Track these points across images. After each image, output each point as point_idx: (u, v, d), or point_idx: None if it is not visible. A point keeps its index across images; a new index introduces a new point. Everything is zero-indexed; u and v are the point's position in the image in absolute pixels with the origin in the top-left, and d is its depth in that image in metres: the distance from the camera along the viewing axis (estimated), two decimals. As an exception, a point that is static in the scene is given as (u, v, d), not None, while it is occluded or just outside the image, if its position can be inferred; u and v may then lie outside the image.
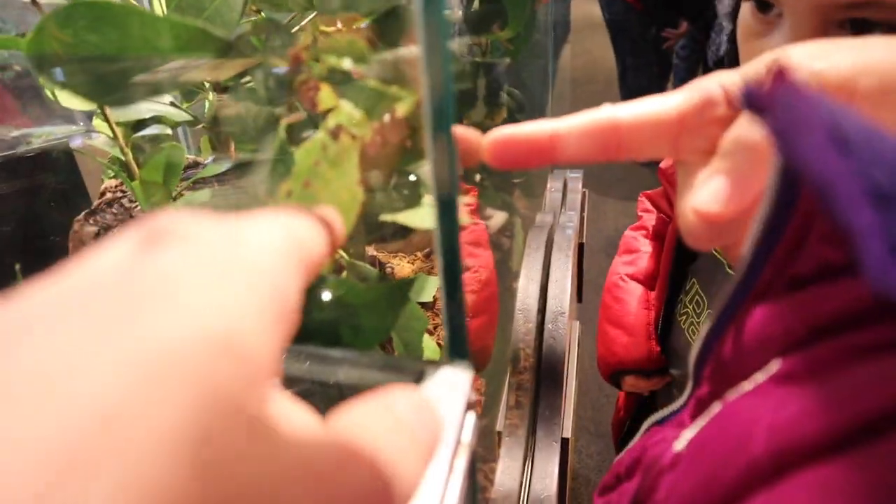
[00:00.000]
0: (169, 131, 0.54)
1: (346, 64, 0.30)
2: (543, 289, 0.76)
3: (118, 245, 0.14)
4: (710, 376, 0.31)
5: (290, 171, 0.33)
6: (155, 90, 0.29)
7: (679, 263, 0.68)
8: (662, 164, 0.80)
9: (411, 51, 0.34)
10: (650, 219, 0.86)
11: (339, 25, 0.51)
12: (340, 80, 0.31)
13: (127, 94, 0.29)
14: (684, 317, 0.70)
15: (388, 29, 0.35)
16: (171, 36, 0.29)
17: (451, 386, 0.29)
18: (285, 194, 0.34)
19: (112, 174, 0.67)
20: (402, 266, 0.81)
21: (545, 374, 0.73)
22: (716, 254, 0.59)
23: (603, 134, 0.23)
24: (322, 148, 0.33)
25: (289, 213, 0.18)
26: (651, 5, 2.40)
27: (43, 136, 0.50)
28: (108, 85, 0.29)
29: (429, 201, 0.41)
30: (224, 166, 0.58)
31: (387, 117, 0.32)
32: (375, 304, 0.32)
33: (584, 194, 1.20)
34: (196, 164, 0.64)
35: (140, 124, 0.56)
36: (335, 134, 0.31)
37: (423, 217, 0.38)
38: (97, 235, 0.53)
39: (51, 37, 0.28)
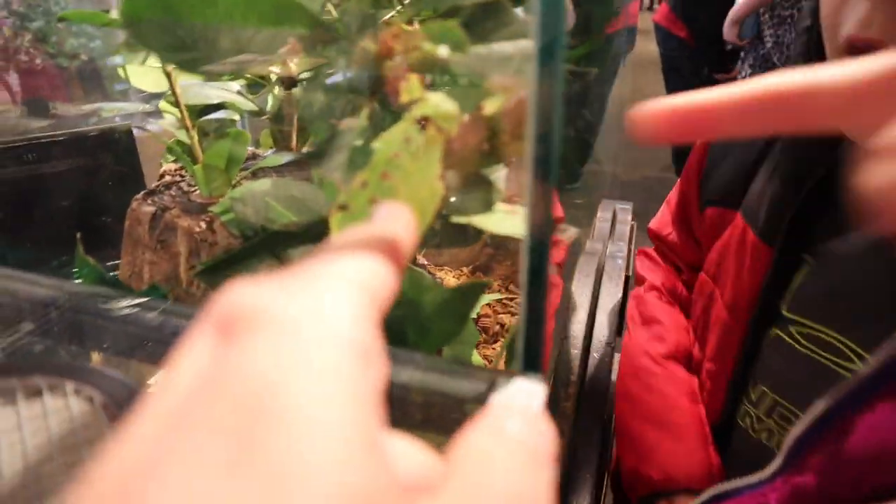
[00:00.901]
0: (236, 117, 0.54)
1: (442, 52, 0.28)
2: (591, 316, 0.74)
3: (197, 343, 0.15)
4: (820, 469, 0.29)
5: (367, 161, 0.32)
6: (244, 67, 0.28)
7: (741, 364, 0.52)
8: (653, 224, 0.72)
9: (504, 48, 0.33)
10: (656, 276, 0.71)
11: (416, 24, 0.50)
12: (433, 70, 0.29)
13: (213, 62, 0.28)
14: (748, 418, 0.53)
15: (476, 24, 0.33)
16: (265, 6, 0.28)
17: (526, 398, 0.27)
18: (360, 185, 0.33)
19: (172, 157, 0.67)
20: (448, 280, 0.79)
21: (586, 403, 0.70)
22: (795, 342, 0.48)
23: (772, 102, 0.21)
24: (404, 139, 0.32)
25: (355, 256, 0.18)
26: (704, 44, 2.38)
27: (114, 110, 0.50)
28: (195, 51, 0.28)
29: (503, 208, 0.39)
30: (285, 158, 0.57)
31: (473, 114, 0.31)
32: (446, 306, 0.31)
33: (632, 227, 1.17)
34: (254, 156, 0.63)
35: (206, 110, 0.56)
36: (421, 125, 0.30)
37: (499, 222, 0.36)
38: (154, 216, 0.52)
39: (145, 1, 0.28)
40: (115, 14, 0.49)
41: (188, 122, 0.51)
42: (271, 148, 0.63)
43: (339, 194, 0.34)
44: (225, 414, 0.12)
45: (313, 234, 0.43)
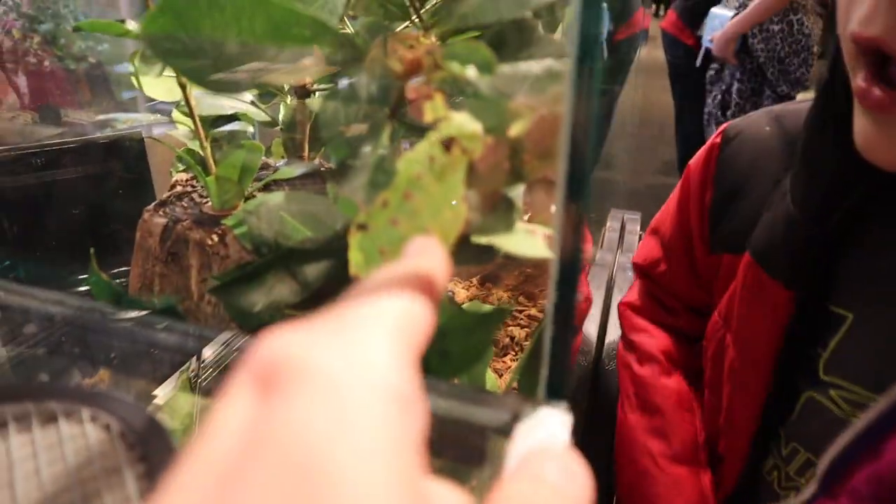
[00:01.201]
0: (250, 129, 0.53)
1: (471, 73, 0.28)
2: (602, 328, 0.73)
3: (240, 395, 0.15)
4: (856, 493, 0.29)
5: (388, 180, 0.31)
6: (262, 80, 0.27)
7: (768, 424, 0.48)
8: (638, 258, 0.65)
9: (530, 68, 0.32)
10: (651, 340, 0.62)
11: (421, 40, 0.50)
12: (460, 90, 0.29)
13: (234, 81, 0.28)
14: (775, 472, 0.50)
15: (501, 42, 0.33)
16: (288, 24, 0.27)
17: (552, 432, 0.26)
18: (381, 204, 0.32)
19: (182, 167, 0.67)
20: (457, 291, 0.79)
21: (597, 414, 0.70)
22: (834, 406, 0.44)
23: None
24: (428, 159, 0.31)
25: (391, 298, 0.18)
26: (709, 50, 2.37)
27: (128, 121, 0.49)
28: (217, 70, 0.28)
29: (523, 227, 0.38)
30: (298, 170, 0.56)
31: (498, 135, 0.30)
32: (469, 333, 0.30)
33: (640, 237, 1.17)
34: (266, 166, 0.63)
35: (219, 120, 0.55)
36: (447, 146, 0.30)
37: (521, 243, 0.36)
38: (165, 227, 0.52)
39: (168, 17, 0.27)
40: (130, 24, 0.49)
41: (202, 133, 0.51)
42: (283, 157, 0.62)
43: (359, 213, 0.33)
44: (274, 474, 0.12)
45: (330, 251, 0.43)
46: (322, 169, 0.58)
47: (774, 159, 0.50)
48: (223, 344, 0.61)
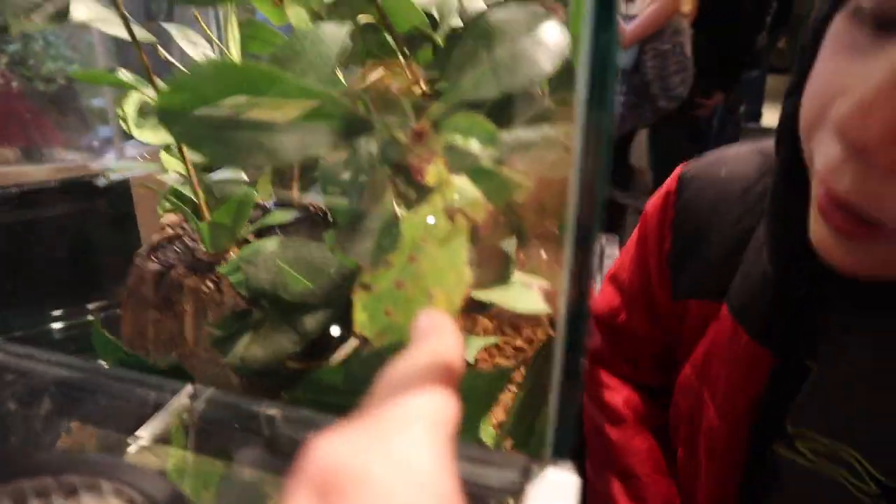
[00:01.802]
0: (244, 177, 0.54)
1: (474, 146, 0.29)
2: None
3: None
4: None
5: (393, 243, 0.32)
6: (274, 156, 0.28)
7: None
8: (598, 308, 0.60)
9: (528, 135, 0.33)
10: (617, 397, 0.59)
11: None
12: (462, 161, 0.30)
13: (249, 157, 0.28)
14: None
15: (501, 111, 0.34)
16: (303, 103, 0.28)
17: (562, 493, 0.27)
18: (386, 265, 0.33)
19: (169, 207, 0.67)
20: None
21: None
22: (795, 453, 0.43)
23: None
24: (431, 224, 0.32)
25: (422, 396, 0.19)
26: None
27: (123, 169, 0.49)
28: (229, 146, 0.29)
29: (520, 279, 0.40)
30: (290, 215, 0.57)
31: (498, 201, 0.32)
32: (473, 392, 0.31)
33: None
34: (255, 205, 0.63)
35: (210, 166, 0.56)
36: (449, 214, 0.31)
37: (519, 298, 0.37)
38: (159, 274, 0.52)
39: (185, 94, 0.28)
40: (123, 74, 0.49)
41: (195, 180, 0.51)
42: (273, 198, 0.63)
43: (363, 274, 0.34)
44: None
45: (329, 302, 0.43)
46: (314, 212, 0.59)
47: (733, 203, 0.48)
48: (190, 396, 0.61)
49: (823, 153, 0.33)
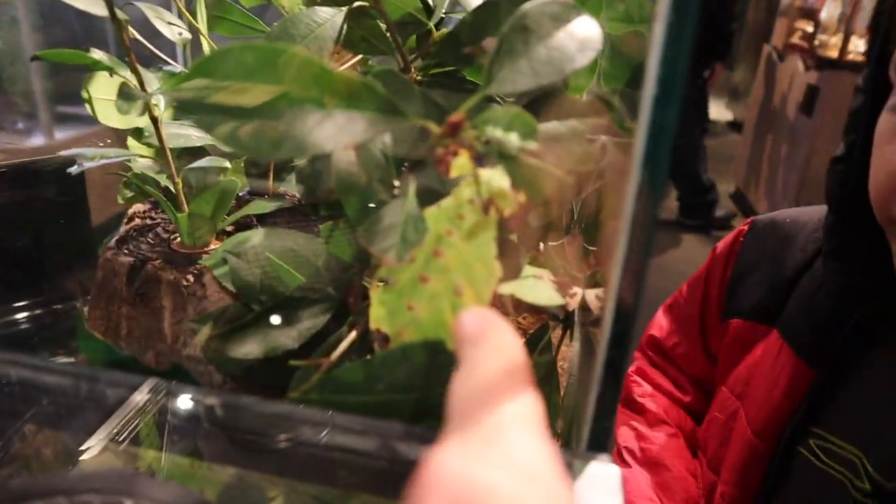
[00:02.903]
0: (227, 164, 0.51)
1: (513, 139, 0.28)
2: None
3: None
4: None
5: (418, 237, 0.31)
6: (309, 148, 0.26)
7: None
8: (654, 331, 0.67)
9: (558, 128, 0.33)
10: (660, 407, 0.64)
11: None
12: (497, 154, 0.29)
13: (282, 148, 0.27)
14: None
15: (535, 108, 0.34)
16: (337, 89, 0.27)
17: (606, 489, 0.27)
18: (407, 260, 0.32)
19: (130, 193, 0.63)
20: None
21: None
22: (815, 458, 0.49)
23: None
24: (457, 216, 0.32)
25: (513, 397, 0.19)
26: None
27: (96, 157, 0.46)
28: (260, 137, 0.27)
29: (531, 272, 0.39)
30: (272, 205, 0.55)
31: (529, 193, 0.31)
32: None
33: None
34: (226, 195, 0.60)
35: (185, 151, 0.53)
36: (485, 206, 0.30)
37: (534, 290, 0.36)
38: (133, 267, 0.49)
39: (203, 79, 0.26)
40: (96, 54, 0.45)
41: (173, 168, 0.48)
42: (247, 186, 0.60)
43: (380, 268, 0.33)
44: None
45: (328, 299, 0.42)
46: (293, 203, 0.56)
47: (790, 244, 0.56)
48: (151, 391, 0.58)
49: None
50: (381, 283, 0.33)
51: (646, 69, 0.22)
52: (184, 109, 0.26)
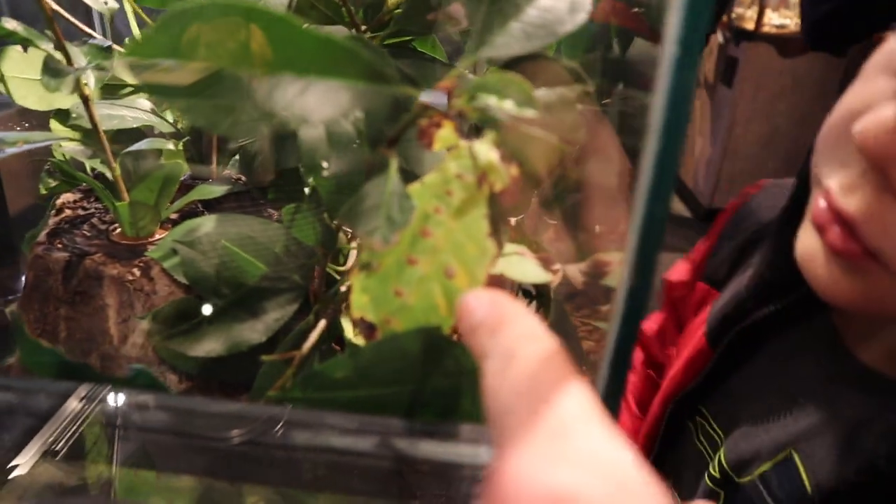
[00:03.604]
0: (169, 145, 0.47)
1: (509, 106, 0.26)
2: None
3: None
4: None
5: (404, 213, 0.29)
6: (287, 121, 0.24)
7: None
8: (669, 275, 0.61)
9: (548, 95, 0.31)
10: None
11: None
12: (490, 123, 0.27)
13: (246, 123, 0.24)
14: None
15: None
16: (318, 54, 0.24)
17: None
18: (394, 241, 0.30)
19: (53, 182, 0.57)
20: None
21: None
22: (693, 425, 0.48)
23: None
24: (445, 192, 0.29)
25: (565, 386, 0.17)
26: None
27: (19, 141, 0.41)
28: (224, 110, 0.24)
29: (513, 249, 0.37)
30: (220, 189, 0.51)
31: (522, 165, 0.29)
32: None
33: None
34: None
35: (120, 134, 0.48)
36: (479, 179, 0.28)
37: (518, 267, 0.35)
38: (69, 263, 0.44)
39: (164, 42, 0.23)
40: (10, 24, 0.40)
41: (109, 152, 0.44)
42: (188, 171, 0.56)
43: (362, 252, 0.31)
44: None
45: (293, 287, 0.39)
46: (243, 186, 0.53)
47: (762, 218, 0.51)
48: (83, 398, 0.54)
49: (838, 169, 0.33)
50: (365, 269, 0.31)
51: (665, 28, 0.21)
52: (140, 78, 0.22)
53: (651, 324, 0.63)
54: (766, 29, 2.75)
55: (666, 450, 0.50)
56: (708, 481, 0.43)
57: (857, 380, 0.38)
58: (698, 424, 0.47)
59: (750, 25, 2.86)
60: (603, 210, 0.39)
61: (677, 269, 0.63)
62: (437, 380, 0.29)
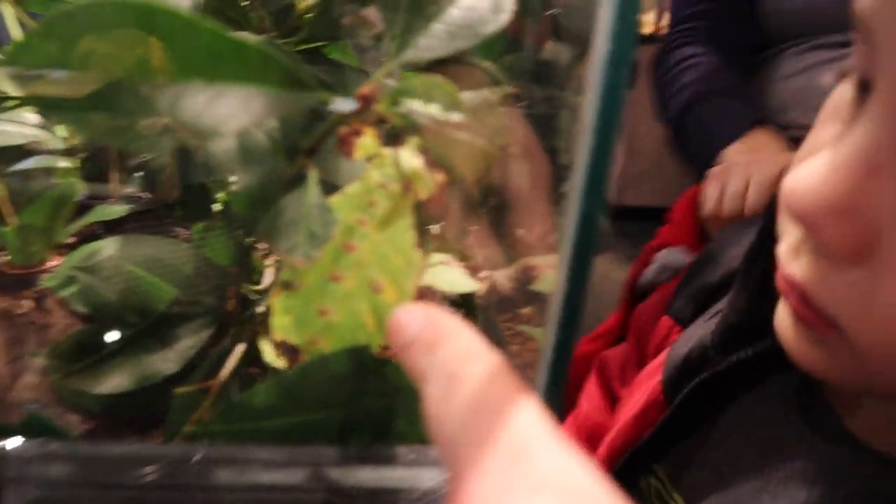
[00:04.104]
0: (62, 163, 0.43)
1: (433, 110, 0.25)
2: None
3: None
4: None
5: (326, 227, 0.28)
6: (198, 133, 0.22)
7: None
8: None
9: (472, 98, 0.30)
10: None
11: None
12: (413, 128, 0.26)
13: (149, 136, 0.22)
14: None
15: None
16: (230, 59, 0.22)
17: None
18: (317, 257, 0.28)
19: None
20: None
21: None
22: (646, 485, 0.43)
23: None
24: (368, 204, 0.28)
25: (511, 405, 0.16)
26: None
27: None
28: (124, 123, 0.22)
29: (438, 258, 0.37)
30: (122, 209, 0.47)
31: (447, 171, 0.28)
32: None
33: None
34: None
35: (4, 151, 0.44)
36: (386, 186, 0.27)
37: (444, 277, 0.34)
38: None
39: (53, 46, 0.20)
40: None
41: (-10, 173, 0.40)
42: (84, 190, 0.51)
43: (283, 271, 0.29)
44: None
45: (211, 312, 0.36)
46: (148, 205, 0.49)
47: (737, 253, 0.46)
48: None
49: (787, 231, 0.30)
50: (286, 288, 0.29)
51: (596, 26, 0.20)
52: (25, 86, 0.20)
53: (615, 353, 0.59)
54: (664, 31, 2.89)
55: None
56: None
57: (846, 446, 0.33)
58: (652, 487, 0.42)
59: (648, 29, 3.00)
60: (527, 213, 0.39)
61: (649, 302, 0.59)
62: (368, 401, 0.27)
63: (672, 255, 0.63)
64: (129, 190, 0.54)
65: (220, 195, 0.39)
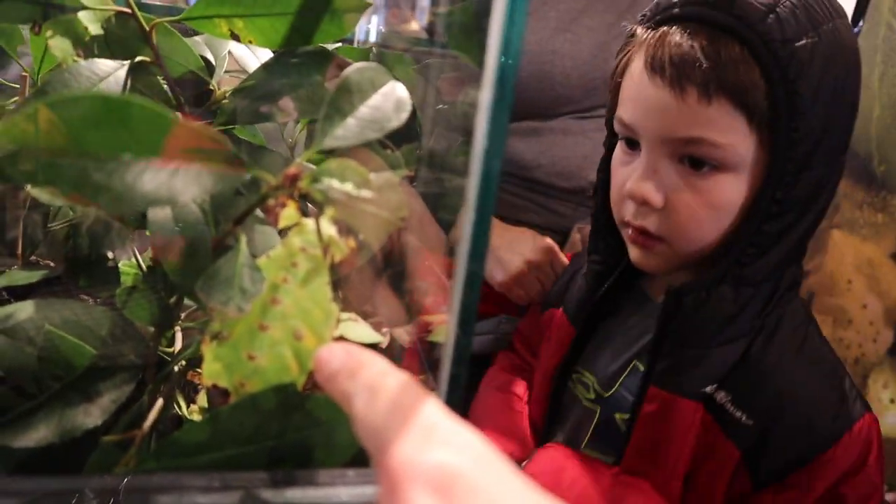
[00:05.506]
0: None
1: (347, 188, 0.31)
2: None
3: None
4: None
5: (255, 284, 0.32)
6: (156, 200, 0.26)
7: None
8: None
9: (377, 178, 0.37)
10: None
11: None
12: (332, 203, 0.32)
13: (123, 201, 0.26)
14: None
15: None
16: (188, 144, 0.27)
17: None
18: (247, 310, 0.32)
19: None
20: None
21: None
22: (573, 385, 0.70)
23: None
24: (291, 265, 0.33)
25: (427, 401, 0.22)
26: None
27: None
28: (98, 189, 0.26)
29: (347, 316, 0.42)
30: (35, 275, 0.49)
31: (357, 237, 0.34)
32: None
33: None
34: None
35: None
36: (305, 250, 0.32)
37: (358, 332, 0.39)
38: None
39: (41, 128, 0.25)
40: None
41: None
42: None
43: (213, 323, 0.33)
44: None
45: (133, 367, 0.39)
46: (56, 271, 0.51)
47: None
48: None
49: (625, 210, 0.59)
50: (216, 339, 0.33)
51: (474, 128, 0.27)
52: (9, 161, 0.24)
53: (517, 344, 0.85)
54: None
55: (556, 403, 0.70)
56: (585, 403, 0.66)
57: (651, 311, 0.64)
58: (574, 379, 0.69)
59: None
60: (422, 276, 0.46)
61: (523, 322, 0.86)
62: (292, 433, 0.31)
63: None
64: (35, 257, 0.56)
65: (124, 265, 0.42)
